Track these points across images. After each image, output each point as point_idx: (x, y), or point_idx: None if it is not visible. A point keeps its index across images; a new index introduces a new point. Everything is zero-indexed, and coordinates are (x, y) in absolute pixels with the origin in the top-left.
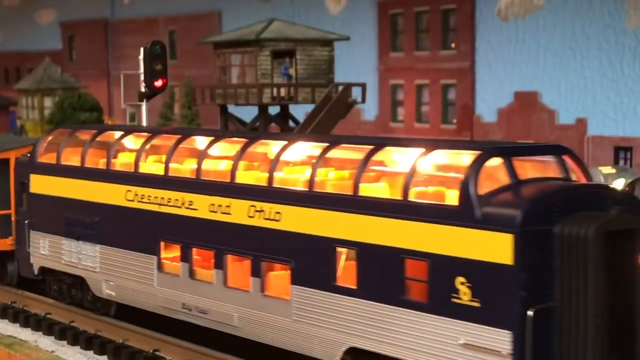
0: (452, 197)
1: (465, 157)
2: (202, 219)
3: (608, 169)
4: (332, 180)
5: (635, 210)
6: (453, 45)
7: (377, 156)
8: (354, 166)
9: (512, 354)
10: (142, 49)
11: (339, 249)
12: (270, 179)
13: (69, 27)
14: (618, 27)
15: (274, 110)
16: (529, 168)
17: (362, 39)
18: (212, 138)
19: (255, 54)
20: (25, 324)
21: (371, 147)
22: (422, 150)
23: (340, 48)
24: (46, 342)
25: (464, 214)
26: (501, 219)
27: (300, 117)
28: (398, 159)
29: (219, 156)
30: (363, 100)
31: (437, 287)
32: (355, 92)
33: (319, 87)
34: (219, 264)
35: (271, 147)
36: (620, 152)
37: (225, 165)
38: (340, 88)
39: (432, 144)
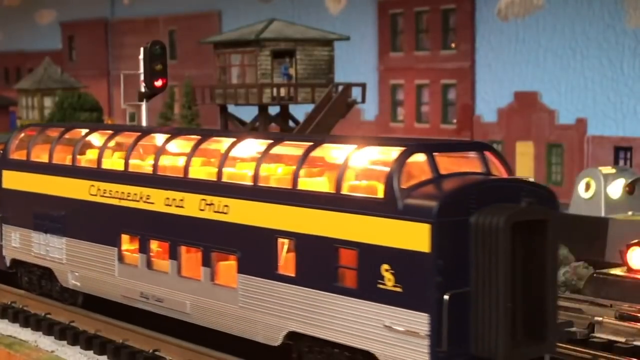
0: (378, 190)
1: (392, 153)
2: (158, 212)
3: (608, 169)
4: (274, 175)
5: (547, 203)
6: (453, 45)
7: (315, 152)
8: (293, 162)
9: (430, 335)
10: (142, 49)
11: (280, 240)
12: (220, 174)
13: (69, 27)
14: (618, 27)
15: (274, 110)
16: (452, 163)
17: (362, 39)
18: (168, 135)
19: (255, 53)
20: (25, 324)
21: (310, 144)
22: (355, 146)
23: (340, 48)
24: (46, 342)
25: (388, 206)
26: (420, 210)
27: (300, 117)
28: (333, 154)
29: (174, 153)
30: (363, 100)
31: (365, 274)
32: (355, 92)
33: (319, 87)
34: (174, 255)
35: (222, 144)
36: (620, 152)
37: (179, 162)
38: (340, 88)
39: (364, 141)
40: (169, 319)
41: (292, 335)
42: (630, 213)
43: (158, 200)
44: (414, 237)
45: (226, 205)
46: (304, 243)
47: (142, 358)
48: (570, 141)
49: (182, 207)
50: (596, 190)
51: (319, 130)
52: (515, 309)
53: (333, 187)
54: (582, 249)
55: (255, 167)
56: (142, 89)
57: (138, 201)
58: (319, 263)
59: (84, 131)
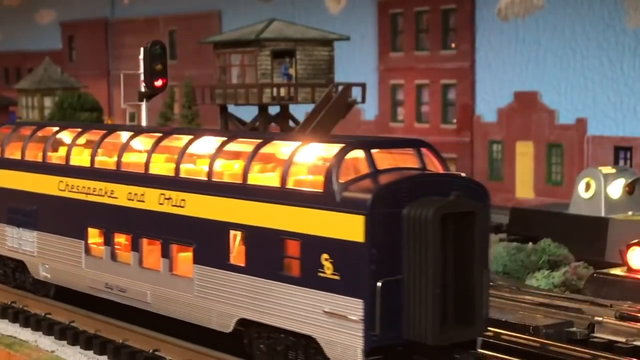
0: (319, 184)
1: (332, 150)
2: (121, 206)
3: (608, 169)
4: (226, 170)
5: (477, 196)
6: (453, 45)
7: (265, 149)
8: (244, 158)
9: (364, 320)
10: (142, 49)
11: (232, 232)
12: (177, 170)
13: (69, 27)
14: (618, 27)
15: (274, 110)
16: (390, 159)
17: (362, 39)
18: (132, 133)
19: (255, 54)
20: (25, 324)
21: (260, 141)
22: (299, 143)
23: (340, 48)
24: (46, 342)
25: (327, 199)
26: (355, 202)
27: (300, 117)
28: (281, 151)
29: (136, 150)
30: (363, 100)
31: (307, 263)
32: (355, 92)
33: (319, 87)
34: (136, 247)
35: (181, 141)
36: (620, 152)
37: (140, 158)
38: (340, 88)
39: (308, 138)
40: (170, 319)
41: (243, 322)
42: (630, 213)
43: (121, 195)
44: (350, 228)
45: (183, 200)
46: (253, 235)
47: (142, 358)
48: (570, 141)
49: (143, 201)
50: (596, 190)
51: (319, 130)
52: (446, 296)
53: (279, 181)
54: (582, 248)
55: (210, 163)
56: (142, 89)
57: (103, 196)
58: (266, 253)
59: (54, 129)
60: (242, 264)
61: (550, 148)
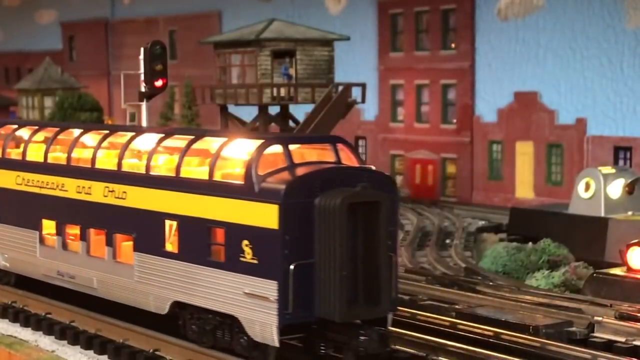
0: (241, 177)
1: (253, 145)
2: (71, 199)
3: (608, 169)
4: (162, 164)
5: (383, 187)
6: (453, 45)
7: (197, 144)
8: (178, 153)
9: (278, 300)
10: (142, 49)
11: (167, 221)
12: (120, 164)
13: (69, 27)
14: (618, 27)
15: (274, 110)
16: (307, 154)
17: (362, 39)
18: (81, 130)
19: (256, 54)
20: (26, 323)
21: (193, 137)
22: (226, 139)
23: (340, 48)
24: (46, 342)
25: (247, 190)
26: (271, 193)
27: (300, 117)
28: (210, 146)
29: (85, 146)
30: (363, 100)
31: (230, 249)
32: (355, 92)
33: (319, 87)
34: (84, 237)
35: (124, 137)
36: (620, 152)
37: (88, 154)
38: (340, 88)
39: (234, 134)
40: (170, 319)
41: (177, 305)
42: (629, 213)
43: (71, 188)
44: (267, 216)
45: (124, 192)
46: (185, 224)
47: (142, 358)
48: (570, 141)
49: (90, 194)
50: (596, 190)
51: (319, 130)
52: (356, 277)
53: (207, 174)
54: (582, 248)
55: (148, 158)
56: (143, 89)
57: (55, 189)
58: (196, 241)
59: (13, 127)
60: (176, 251)
61: (550, 148)
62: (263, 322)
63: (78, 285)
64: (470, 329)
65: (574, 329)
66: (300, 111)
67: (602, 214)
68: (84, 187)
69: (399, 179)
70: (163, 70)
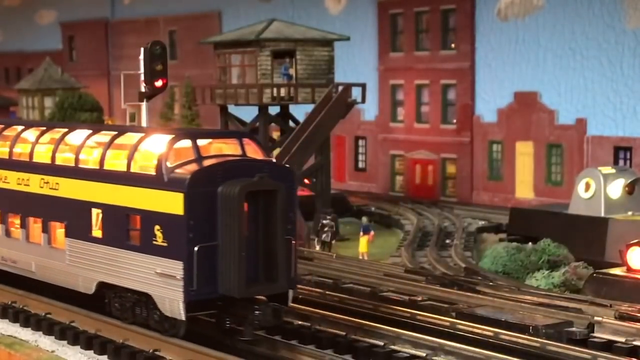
0: (153, 168)
1: (165, 139)
2: (13, 190)
3: (607, 169)
4: (89, 158)
5: (281, 177)
6: (453, 45)
7: (119, 139)
8: (103, 147)
9: (184, 278)
10: (142, 49)
11: (93, 209)
12: (53, 158)
13: (69, 28)
14: (618, 28)
15: (274, 110)
16: (215, 148)
17: (362, 39)
18: (23, 127)
19: (256, 54)
20: (26, 323)
21: (116, 132)
22: (143, 134)
23: (340, 48)
24: (46, 342)
25: (158, 180)
26: (177, 182)
27: (300, 117)
28: (130, 141)
29: (25, 141)
30: (363, 101)
31: (145, 233)
32: (355, 92)
33: (319, 87)
34: (24, 225)
35: (59, 133)
36: (620, 152)
37: (27, 148)
38: (340, 88)
39: (151, 130)
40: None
41: (102, 285)
42: (629, 213)
43: (12, 181)
44: (174, 203)
45: (57, 183)
46: (108, 212)
47: (142, 358)
48: (570, 141)
49: (28, 185)
50: (596, 190)
51: (319, 130)
52: (257, 258)
53: (126, 166)
54: (582, 248)
55: (77, 152)
56: (143, 89)
57: None
58: (117, 227)
59: None
60: (101, 236)
61: (550, 148)
62: (171, 299)
63: (20, 270)
64: (470, 329)
65: (573, 329)
66: (300, 111)
67: (602, 214)
68: (23, 179)
69: (399, 179)
70: (163, 71)
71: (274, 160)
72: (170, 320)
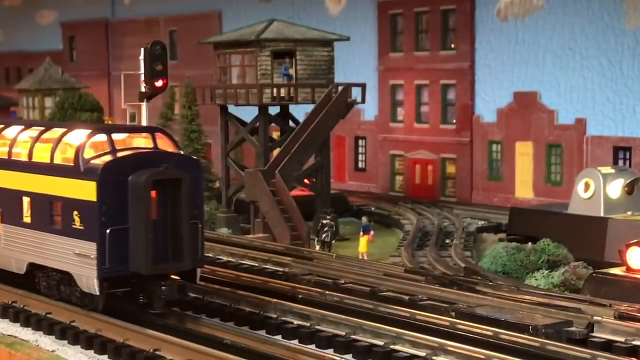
0: (72, 160)
1: (84, 134)
2: None
3: (607, 169)
4: (20, 150)
5: (187, 168)
6: (453, 45)
7: (46, 134)
8: (32, 140)
9: (97, 257)
10: (142, 49)
11: (24, 198)
12: None
13: (69, 28)
14: (617, 28)
15: (274, 110)
16: (129, 142)
17: (362, 39)
18: None
19: (256, 54)
20: (26, 323)
21: (44, 127)
22: (65, 129)
23: (340, 48)
24: (47, 342)
25: (76, 170)
26: (92, 172)
27: (300, 117)
28: (55, 135)
29: None
30: (363, 101)
31: (65, 218)
32: (355, 92)
33: (319, 87)
34: None
35: None
36: (620, 152)
37: None
38: (340, 88)
39: (73, 126)
40: (170, 319)
41: (32, 265)
42: (629, 213)
43: None
44: (89, 191)
45: None
46: (35, 199)
47: (142, 357)
48: (569, 141)
49: None
50: (595, 190)
51: (319, 130)
52: (165, 239)
53: (49, 158)
54: (582, 248)
55: (10, 145)
56: (143, 89)
57: None
58: (43, 213)
59: None
60: (30, 222)
61: (550, 148)
62: (87, 276)
63: None
64: (470, 328)
65: (573, 328)
66: (300, 111)
67: (602, 214)
68: None
69: (398, 179)
70: (163, 71)
71: (182, 152)
72: (89, 296)
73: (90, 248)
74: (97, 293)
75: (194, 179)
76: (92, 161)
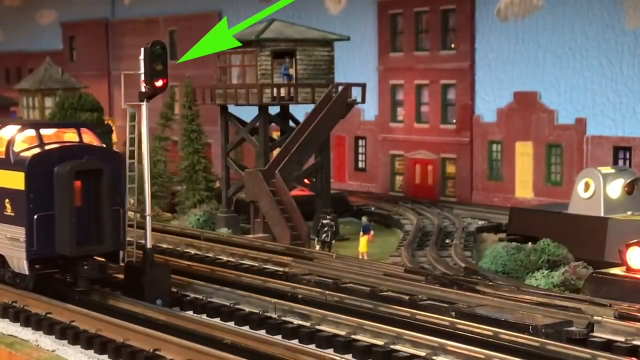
0: (3, 153)
1: (14, 129)
2: None
3: (607, 169)
4: None
5: (108, 160)
6: (453, 45)
7: None
8: None
9: (26, 241)
10: (142, 49)
11: None
12: None
13: (69, 28)
14: (617, 28)
15: (274, 110)
16: (56, 136)
17: (362, 39)
18: None
19: (256, 54)
20: (26, 323)
21: None
22: (1, 125)
23: (340, 48)
24: (47, 342)
25: (7, 162)
26: (20, 164)
27: (300, 117)
28: None
29: None
30: (363, 101)
31: None
32: (355, 92)
33: (319, 87)
34: None
35: None
36: (620, 152)
37: None
38: (340, 88)
39: (6, 122)
40: (170, 318)
41: None
42: (629, 213)
43: None
44: (18, 180)
45: None
46: None
47: (142, 357)
48: (569, 141)
49: None
50: (595, 190)
51: (319, 130)
52: (88, 224)
53: None
54: (582, 248)
55: None
56: (143, 89)
57: None
58: None
59: None
60: None
61: (550, 148)
62: (18, 258)
63: None
64: (470, 328)
65: (573, 328)
66: (300, 111)
67: (602, 214)
68: None
69: (399, 179)
70: (163, 71)
71: (104, 145)
72: (20, 276)
73: (20, 232)
74: (27, 273)
75: (115, 169)
76: (22, 154)
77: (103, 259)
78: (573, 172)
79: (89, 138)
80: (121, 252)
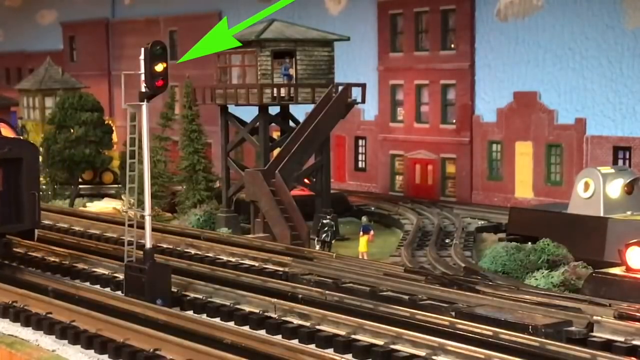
0: None
1: None
2: None
3: (607, 169)
4: None
5: (26, 150)
6: (453, 45)
7: None
8: None
9: None
10: (142, 49)
11: None
12: None
13: (70, 28)
14: (617, 28)
15: (274, 110)
16: None
17: (362, 39)
18: None
19: (256, 54)
20: (26, 323)
21: None
22: None
23: (340, 48)
24: (47, 342)
25: None
26: None
27: (300, 117)
28: None
29: None
30: (363, 101)
31: None
32: (355, 92)
33: (319, 87)
34: None
35: None
36: (619, 152)
37: None
38: (340, 88)
39: None
40: (170, 318)
41: None
42: (629, 213)
43: None
44: None
45: None
46: None
47: (142, 357)
48: (569, 141)
49: None
50: (595, 190)
51: (319, 130)
52: (10, 206)
53: None
54: (581, 248)
55: None
56: (143, 89)
57: None
58: None
59: None
60: None
61: (550, 148)
62: None
63: None
64: (470, 328)
65: (573, 328)
66: (300, 111)
67: (602, 214)
68: None
69: (398, 179)
70: (163, 71)
71: (22, 138)
72: None
73: None
74: None
75: (31, 159)
76: None
77: (11, 238)
78: (573, 172)
79: (7, 132)
80: (36, 231)
